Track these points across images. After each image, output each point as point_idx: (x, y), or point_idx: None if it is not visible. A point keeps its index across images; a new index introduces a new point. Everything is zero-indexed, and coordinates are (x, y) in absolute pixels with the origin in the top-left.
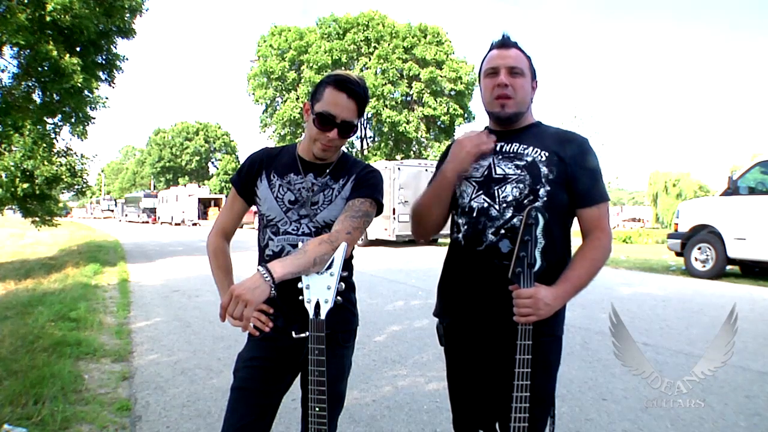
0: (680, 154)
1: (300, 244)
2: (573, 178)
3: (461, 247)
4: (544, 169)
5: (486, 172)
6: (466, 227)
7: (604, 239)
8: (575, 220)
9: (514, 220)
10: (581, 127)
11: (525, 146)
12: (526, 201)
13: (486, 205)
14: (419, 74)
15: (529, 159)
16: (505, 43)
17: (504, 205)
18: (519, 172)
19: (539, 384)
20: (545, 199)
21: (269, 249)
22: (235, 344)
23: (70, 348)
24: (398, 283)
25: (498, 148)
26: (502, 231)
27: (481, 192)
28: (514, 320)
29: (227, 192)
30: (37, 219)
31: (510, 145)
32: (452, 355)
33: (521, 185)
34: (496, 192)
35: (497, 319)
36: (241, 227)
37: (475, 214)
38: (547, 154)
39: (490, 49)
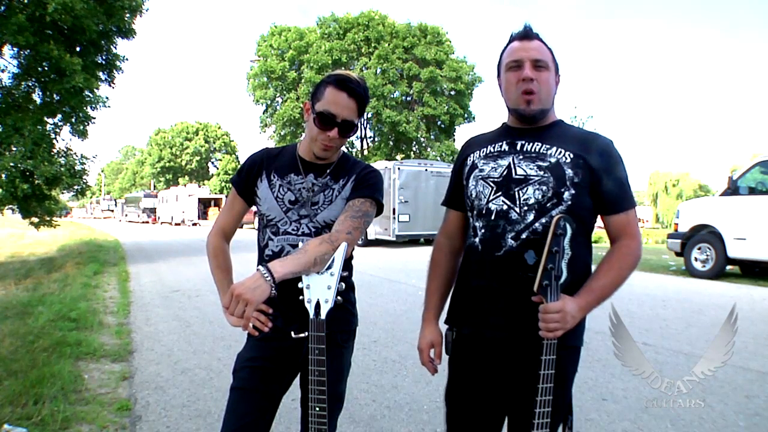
0: (680, 154)
1: (300, 244)
2: (600, 184)
3: (478, 252)
4: (569, 171)
5: (505, 172)
6: (483, 231)
7: (633, 245)
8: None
9: (536, 224)
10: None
11: (548, 146)
12: (549, 204)
13: (505, 207)
14: (419, 74)
15: (553, 160)
16: (527, 34)
17: (525, 207)
18: (542, 173)
19: (554, 396)
20: (569, 202)
21: (269, 249)
22: (235, 344)
23: (70, 348)
24: (398, 283)
25: (519, 147)
26: (524, 236)
27: (500, 193)
28: (539, 335)
29: (227, 192)
30: (36, 219)
31: (531, 144)
32: (456, 366)
33: (544, 187)
34: (516, 194)
35: (514, 330)
36: (241, 227)
37: (493, 217)
38: (571, 155)
39: (510, 41)
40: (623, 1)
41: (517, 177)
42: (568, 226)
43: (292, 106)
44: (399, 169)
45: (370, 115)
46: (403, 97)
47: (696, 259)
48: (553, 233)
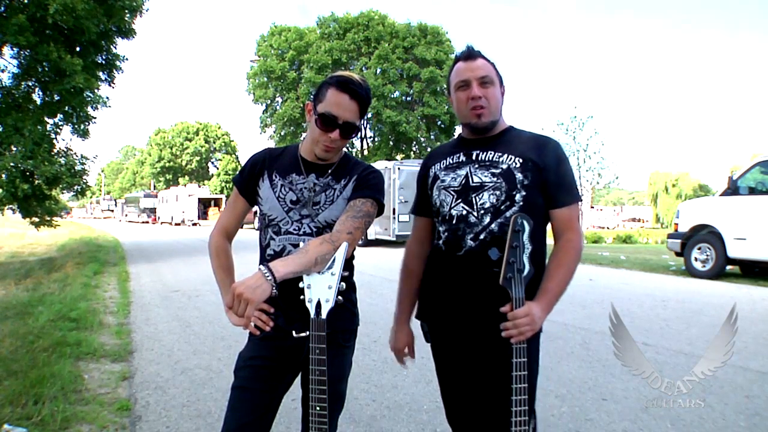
0: (680, 154)
1: (301, 244)
2: (547, 181)
3: (441, 252)
4: (519, 175)
5: (463, 181)
6: (446, 234)
7: (575, 239)
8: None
9: (492, 225)
10: (581, 128)
11: (500, 154)
12: (502, 207)
13: (465, 212)
14: (419, 74)
15: (504, 166)
16: (470, 54)
17: (482, 211)
18: (495, 179)
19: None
20: (521, 203)
21: (270, 249)
22: (235, 344)
23: (70, 348)
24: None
25: (474, 157)
26: (481, 236)
27: (460, 200)
28: (511, 342)
29: (227, 192)
30: (36, 219)
31: (485, 153)
32: (437, 354)
33: (498, 192)
34: (474, 200)
35: (478, 320)
36: (241, 227)
37: (455, 222)
38: (521, 160)
39: (456, 62)
40: (623, 2)
41: (474, 185)
42: (525, 223)
43: (292, 106)
44: (399, 169)
45: (370, 115)
46: (403, 97)
47: (696, 259)
48: (512, 230)
